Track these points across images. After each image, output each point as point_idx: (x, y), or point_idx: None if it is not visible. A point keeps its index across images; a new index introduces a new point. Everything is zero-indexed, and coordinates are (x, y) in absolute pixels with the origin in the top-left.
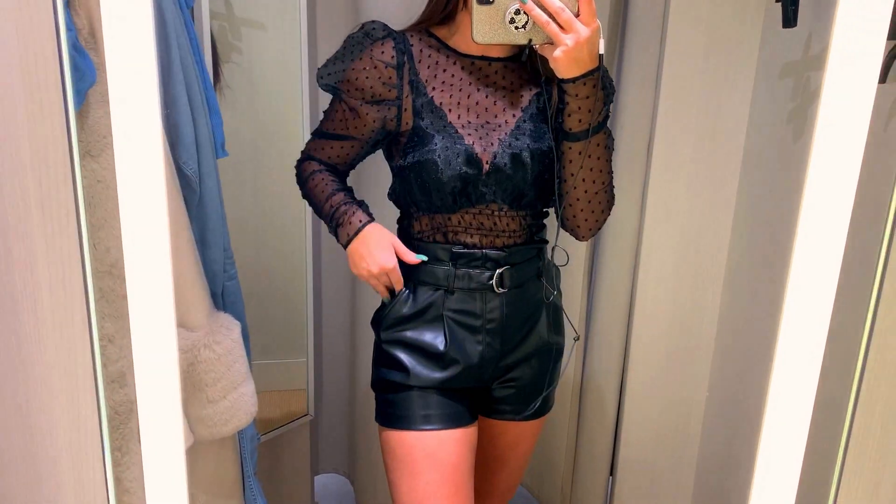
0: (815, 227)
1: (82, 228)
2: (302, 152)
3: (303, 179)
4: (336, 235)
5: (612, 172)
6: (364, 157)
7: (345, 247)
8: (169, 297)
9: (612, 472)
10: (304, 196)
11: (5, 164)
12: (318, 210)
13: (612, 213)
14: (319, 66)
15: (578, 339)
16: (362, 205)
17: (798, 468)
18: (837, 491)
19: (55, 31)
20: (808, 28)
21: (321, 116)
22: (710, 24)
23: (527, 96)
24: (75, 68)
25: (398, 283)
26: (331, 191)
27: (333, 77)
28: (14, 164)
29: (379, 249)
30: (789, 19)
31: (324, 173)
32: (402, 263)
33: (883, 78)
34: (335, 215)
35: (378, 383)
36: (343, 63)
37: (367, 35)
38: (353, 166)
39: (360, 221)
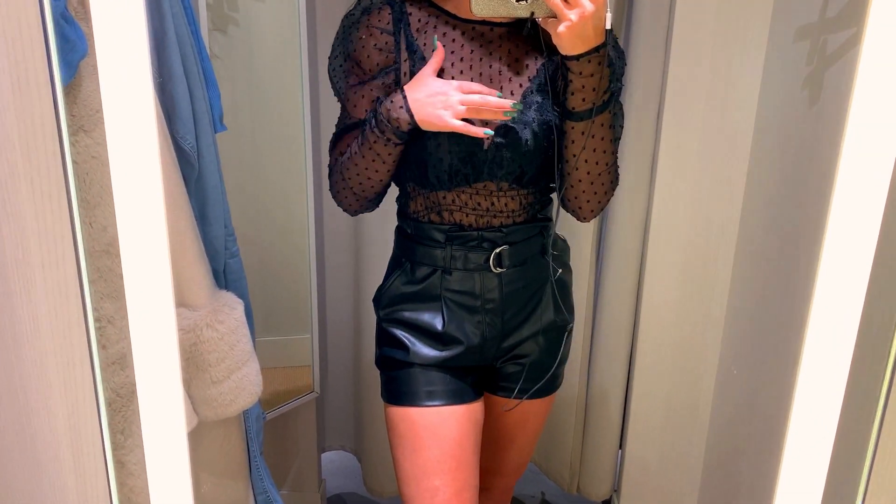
0: (848, 212)
1: (73, 206)
2: (329, 165)
3: (333, 182)
4: (397, 122)
5: (616, 152)
6: None
7: (409, 117)
8: (167, 276)
9: (620, 446)
10: (343, 188)
11: None
12: (359, 158)
13: (620, 188)
14: (328, 58)
15: (572, 328)
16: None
17: (825, 465)
18: (866, 491)
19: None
20: None
21: (321, 87)
22: None
23: (533, 65)
24: (65, 39)
25: (481, 91)
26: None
27: (339, 60)
28: (0, 137)
29: (430, 84)
30: None
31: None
32: (401, 241)
33: None
34: (376, 126)
35: (381, 361)
36: (342, 43)
37: (364, 10)
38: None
39: (397, 95)
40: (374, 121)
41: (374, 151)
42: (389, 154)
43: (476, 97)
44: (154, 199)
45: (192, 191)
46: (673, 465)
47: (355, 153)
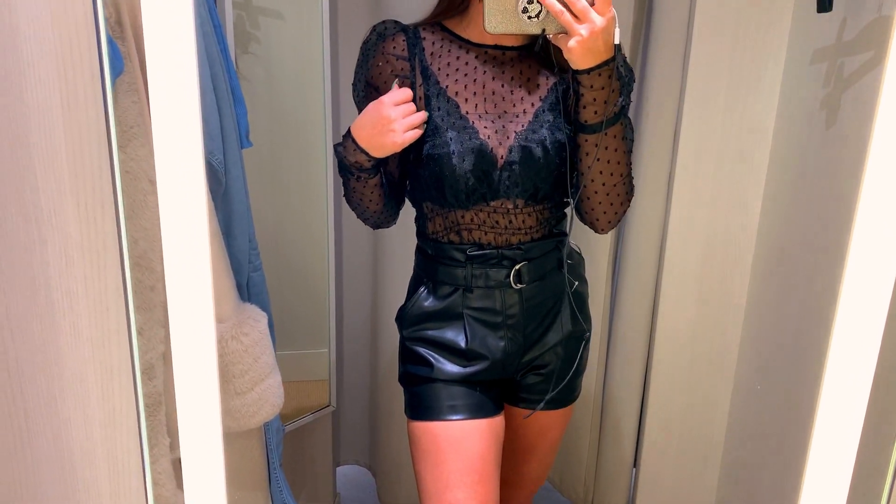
0: (873, 225)
1: (121, 219)
2: None
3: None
4: (358, 164)
5: (630, 164)
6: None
7: (366, 155)
8: (208, 291)
9: (635, 463)
10: (352, 209)
11: (40, 152)
12: (347, 191)
13: (637, 201)
14: (352, 84)
15: (589, 337)
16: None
17: (850, 474)
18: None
19: (94, 17)
20: (843, 13)
21: (342, 104)
22: (738, 8)
23: (545, 85)
24: None
25: (408, 110)
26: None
27: (360, 87)
28: (49, 153)
29: (369, 114)
30: (825, 4)
31: None
32: (422, 262)
33: None
34: (343, 171)
35: (404, 378)
36: (362, 70)
37: (380, 36)
38: (405, 178)
39: (348, 139)
40: (339, 167)
41: (352, 188)
42: (365, 186)
43: (404, 106)
44: (198, 216)
45: (219, 205)
46: (688, 483)
47: (343, 185)
